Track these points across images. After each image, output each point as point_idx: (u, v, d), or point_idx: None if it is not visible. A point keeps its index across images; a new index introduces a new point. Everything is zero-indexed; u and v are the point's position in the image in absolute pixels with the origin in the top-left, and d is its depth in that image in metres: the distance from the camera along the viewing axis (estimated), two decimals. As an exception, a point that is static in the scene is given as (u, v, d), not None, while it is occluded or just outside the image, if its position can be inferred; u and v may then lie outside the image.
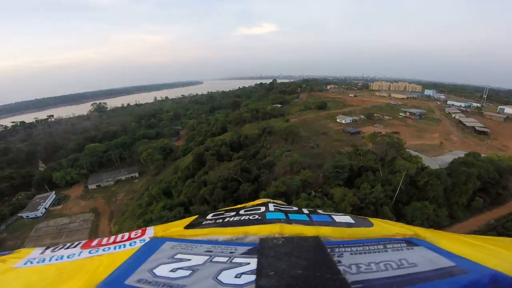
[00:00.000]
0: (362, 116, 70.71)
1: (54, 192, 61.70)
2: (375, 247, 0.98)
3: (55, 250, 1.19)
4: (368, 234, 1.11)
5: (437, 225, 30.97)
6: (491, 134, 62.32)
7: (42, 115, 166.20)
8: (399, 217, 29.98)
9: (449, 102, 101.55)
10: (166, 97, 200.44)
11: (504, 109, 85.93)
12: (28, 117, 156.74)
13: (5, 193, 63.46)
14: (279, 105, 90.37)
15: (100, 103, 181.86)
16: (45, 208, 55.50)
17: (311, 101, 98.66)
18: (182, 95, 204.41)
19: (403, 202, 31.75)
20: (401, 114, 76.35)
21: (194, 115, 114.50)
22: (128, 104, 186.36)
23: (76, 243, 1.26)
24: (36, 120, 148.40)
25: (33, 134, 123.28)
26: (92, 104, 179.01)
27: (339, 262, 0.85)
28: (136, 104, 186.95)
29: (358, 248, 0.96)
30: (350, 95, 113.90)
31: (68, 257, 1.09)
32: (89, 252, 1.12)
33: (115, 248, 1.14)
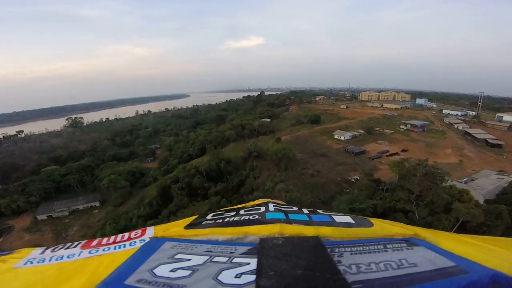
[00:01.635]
0: (361, 131, 61.27)
1: (-4, 221, 50.81)
2: (375, 247, 0.96)
3: (55, 250, 1.16)
4: (368, 234, 1.09)
5: None
6: (505, 146, 54.45)
7: (15, 130, 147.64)
8: None
9: (444, 111, 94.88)
10: (149, 111, 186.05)
11: (502, 117, 79.24)
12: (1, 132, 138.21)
13: None
14: (268, 120, 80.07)
15: (76, 117, 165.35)
16: (-18, 240, 44.74)
17: (302, 114, 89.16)
18: (166, 109, 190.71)
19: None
20: (402, 127, 67.75)
21: (174, 131, 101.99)
22: (107, 119, 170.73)
23: (76, 243, 1.24)
24: (3, 136, 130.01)
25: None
26: (66, 119, 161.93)
27: (339, 262, 0.84)
28: (116, 118, 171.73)
29: (358, 248, 0.95)
30: (341, 107, 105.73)
31: (68, 257, 1.07)
32: (89, 252, 1.10)
33: (115, 248, 1.12)
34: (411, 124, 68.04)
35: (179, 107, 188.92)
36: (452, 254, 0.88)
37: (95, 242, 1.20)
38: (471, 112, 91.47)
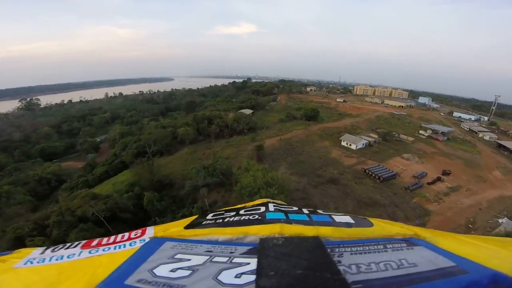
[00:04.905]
0: (375, 136, 43.25)
1: None
2: (375, 247, 0.93)
3: (55, 250, 1.13)
4: (368, 234, 1.05)
5: None
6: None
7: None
8: None
9: (455, 114, 79.69)
10: (120, 93, 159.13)
11: (521, 125, 66.20)
12: None
13: None
14: (249, 111, 60.13)
15: (31, 99, 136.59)
16: None
17: (294, 106, 69.98)
18: (140, 91, 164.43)
19: None
20: (421, 132, 50.58)
21: (135, 118, 79.76)
22: (70, 101, 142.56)
23: (76, 243, 1.21)
24: None
25: None
26: (19, 100, 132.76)
27: (339, 262, 0.81)
28: (81, 100, 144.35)
29: (358, 248, 0.92)
30: (338, 100, 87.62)
31: (68, 257, 1.04)
32: (89, 252, 1.07)
33: (115, 248, 1.08)
34: (432, 129, 51.08)
35: (156, 91, 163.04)
36: (452, 254, 0.85)
37: (95, 242, 1.16)
38: (484, 118, 78.21)
